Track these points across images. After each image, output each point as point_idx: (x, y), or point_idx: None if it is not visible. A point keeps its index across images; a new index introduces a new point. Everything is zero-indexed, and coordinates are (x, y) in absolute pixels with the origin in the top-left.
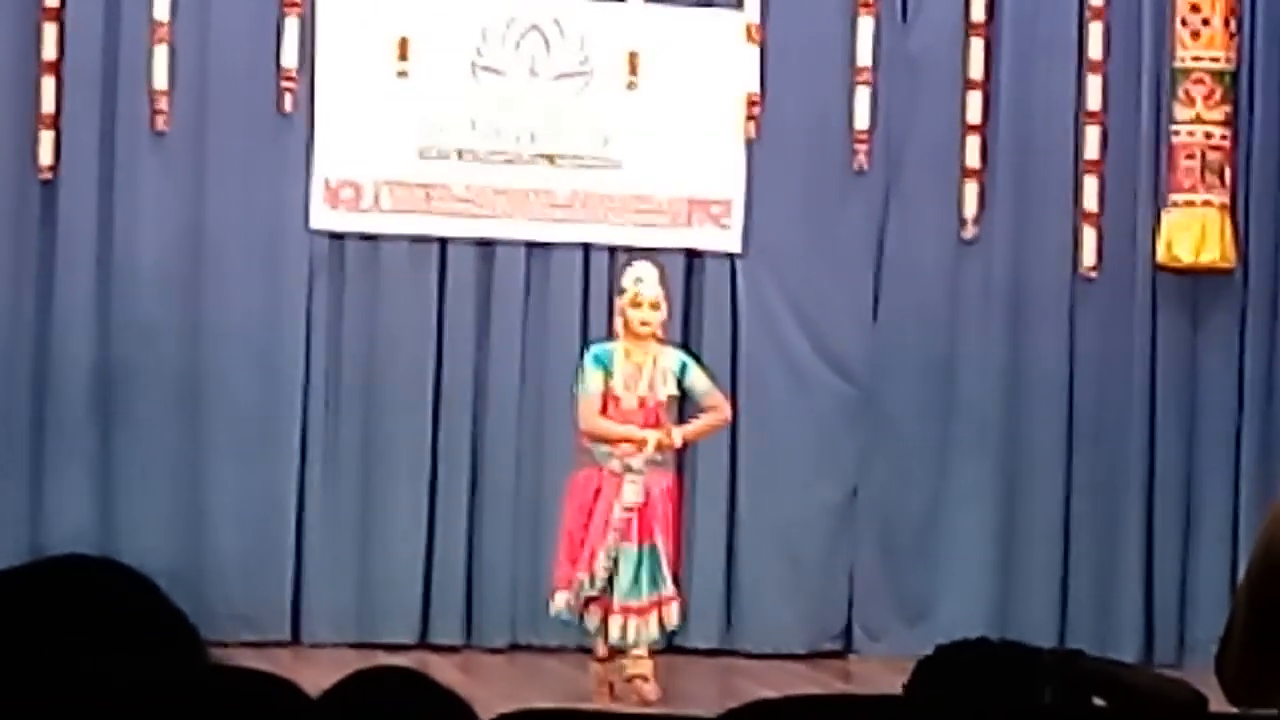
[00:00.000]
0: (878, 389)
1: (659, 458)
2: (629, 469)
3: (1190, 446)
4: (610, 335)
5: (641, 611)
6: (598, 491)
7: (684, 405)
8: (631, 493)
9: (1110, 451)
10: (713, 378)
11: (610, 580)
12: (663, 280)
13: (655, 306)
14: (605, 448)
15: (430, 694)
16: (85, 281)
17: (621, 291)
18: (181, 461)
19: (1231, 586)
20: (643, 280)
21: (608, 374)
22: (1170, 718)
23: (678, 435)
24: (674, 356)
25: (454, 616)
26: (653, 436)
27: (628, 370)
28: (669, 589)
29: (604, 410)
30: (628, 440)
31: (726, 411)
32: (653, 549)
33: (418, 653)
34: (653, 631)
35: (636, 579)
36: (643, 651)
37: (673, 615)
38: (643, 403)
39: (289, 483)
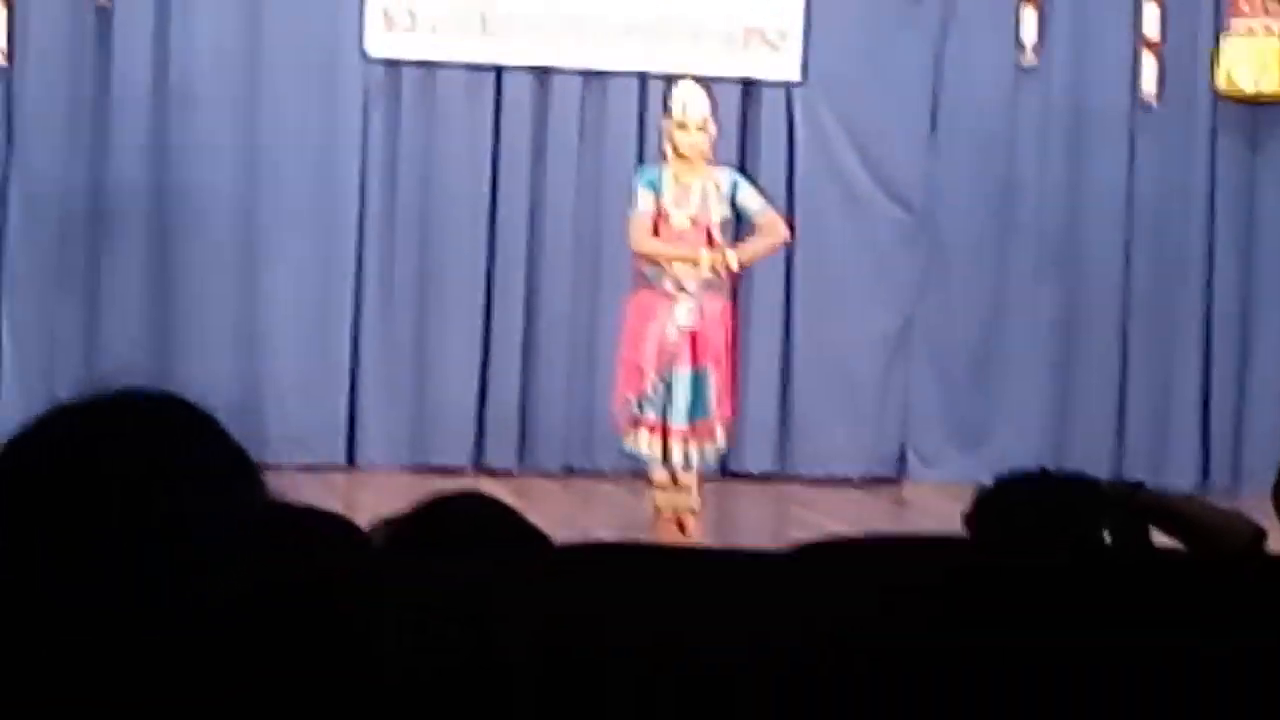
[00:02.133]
0: (934, 216)
1: (713, 277)
2: (682, 289)
3: (1247, 275)
4: (661, 158)
5: (691, 435)
6: (652, 314)
7: (739, 229)
8: (684, 314)
9: (1168, 278)
10: (767, 198)
11: (663, 404)
12: (710, 101)
13: (702, 128)
14: (658, 268)
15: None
16: (141, 106)
17: (668, 113)
18: (238, 285)
19: None
20: (688, 102)
21: (657, 194)
22: (1230, 553)
23: (732, 257)
24: (725, 176)
25: (508, 440)
26: (706, 255)
27: (677, 191)
28: (714, 414)
29: (655, 231)
30: (679, 259)
31: (782, 230)
32: (704, 373)
33: (471, 476)
34: (698, 457)
35: (691, 401)
36: (690, 481)
37: (719, 439)
38: (694, 221)
39: (345, 307)
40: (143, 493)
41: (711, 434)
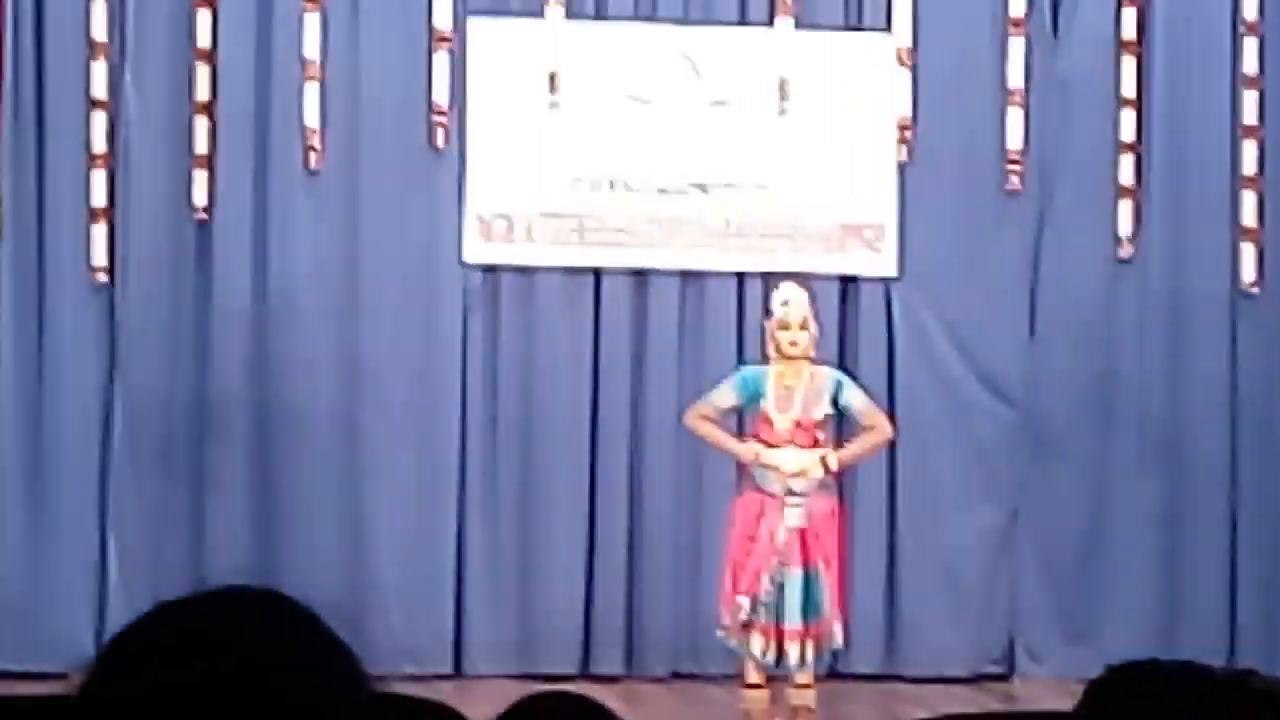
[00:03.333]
0: (1036, 410)
1: (822, 478)
2: (790, 492)
3: None
4: (764, 359)
5: (805, 636)
6: (759, 516)
7: (843, 427)
8: (794, 516)
9: (1274, 466)
10: (870, 396)
11: (777, 604)
12: (811, 301)
13: (804, 327)
14: (765, 470)
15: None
16: (242, 320)
17: (769, 315)
18: (342, 496)
19: None
20: (789, 302)
21: (755, 396)
22: None
23: (833, 458)
24: (829, 376)
25: (615, 646)
26: (795, 458)
27: (780, 392)
28: (827, 614)
29: (758, 433)
30: (721, 449)
31: (888, 429)
32: (815, 573)
33: (579, 683)
34: (813, 656)
35: (804, 602)
36: (806, 679)
37: (835, 637)
38: (798, 424)
39: (449, 514)
40: (247, 687)
41: (825, 634)
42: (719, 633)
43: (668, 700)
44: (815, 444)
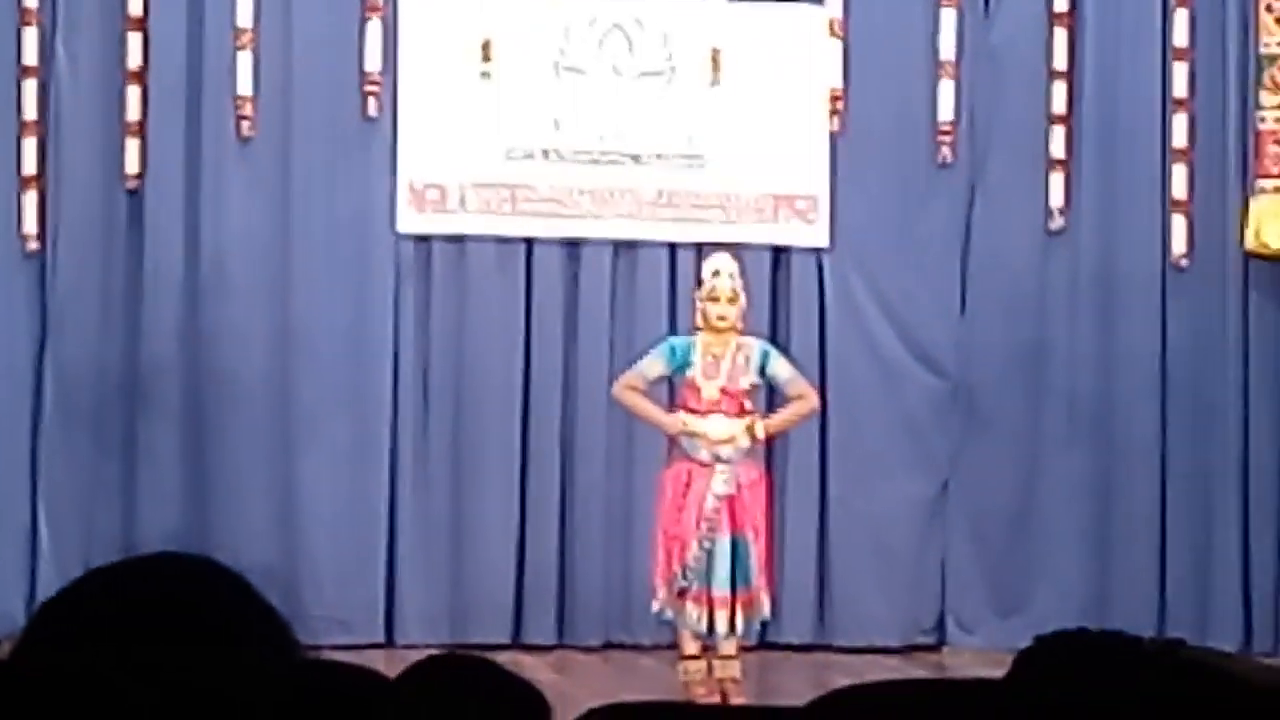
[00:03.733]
0: (967, 381)
1: (748, 446)
2: (718, 459)
3: None
4: (692, 329)
5: (733, 604)
6: (688, 484)
7: (772, 398)
8: (721, 483)
9: (1204, 439)
10: (798, 367)
11: (706, 572)
12: (741, 272)
13: (732, 300)
14: (693, 439)
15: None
16: (173, 289)
17: (699, 284)
18: (273, 465)
19: None
20: (719, 273)
21: (683, 365)
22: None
23: (760, 427)
24: (755, 346)
25: (547, 616)
26: (722, 426)
27: (707, 361)
28: (756, 583)
29: (685, 402)
30: (648, 420)
31: (814, 399)
32: (743, 540)
33: (511, 652)
34: (742, 626)
35: (731, 570)
36: (732, 649)
37: (762, 608)
38: (724, 392)
39: (380, 484)
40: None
41: (753, 603)
42: (654, 606)
43: (600, 669)
44: (742, 412)
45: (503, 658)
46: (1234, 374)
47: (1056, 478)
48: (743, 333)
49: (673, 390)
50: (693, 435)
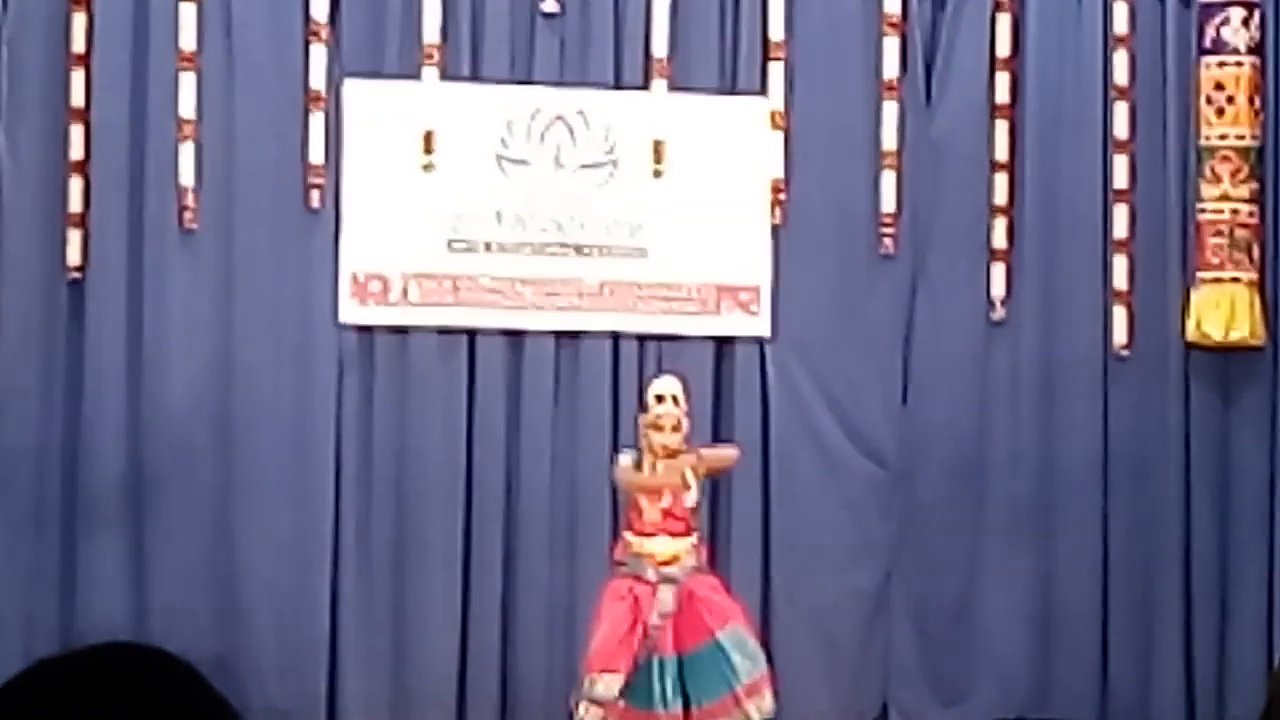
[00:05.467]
0: (909, 472)
1: (695, 566)
2: (665, 579)
3: (1225, 525)
4: (636, 450)
5: (715, 714)
6: (626, 600)
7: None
8: (667, 601)
9: (1146, 529)
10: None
11: (648, 693)
12: (685, 392)
13: (676, 429)
14: (639, 558)
15: None
16: (115, 379)
17: (645, 408)
18: (215, 555)
19: (1268, 665)
20: (664, 400)
21: (639, 463)
22: None
23: (692, 495)
24: (686, 457)
25: (489, 705)
26: (667, 546)
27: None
28: (748, 682)
29: (630, 523)
30: (654, 488)
31: (729, 452)
32: (719, 646)
33: None
34: None
35: (678, 687)
36: None
37: (754, 706)
38: (668, 513)
39: (322, 575)
40: None
41: (736, 706)
42: (579, 713)
43: None
44: (688, 530)
45: None
46: (1175, 464)
47: (998, 568)
48: (687, 453)
49: (616, 512)
50: (639, 555)
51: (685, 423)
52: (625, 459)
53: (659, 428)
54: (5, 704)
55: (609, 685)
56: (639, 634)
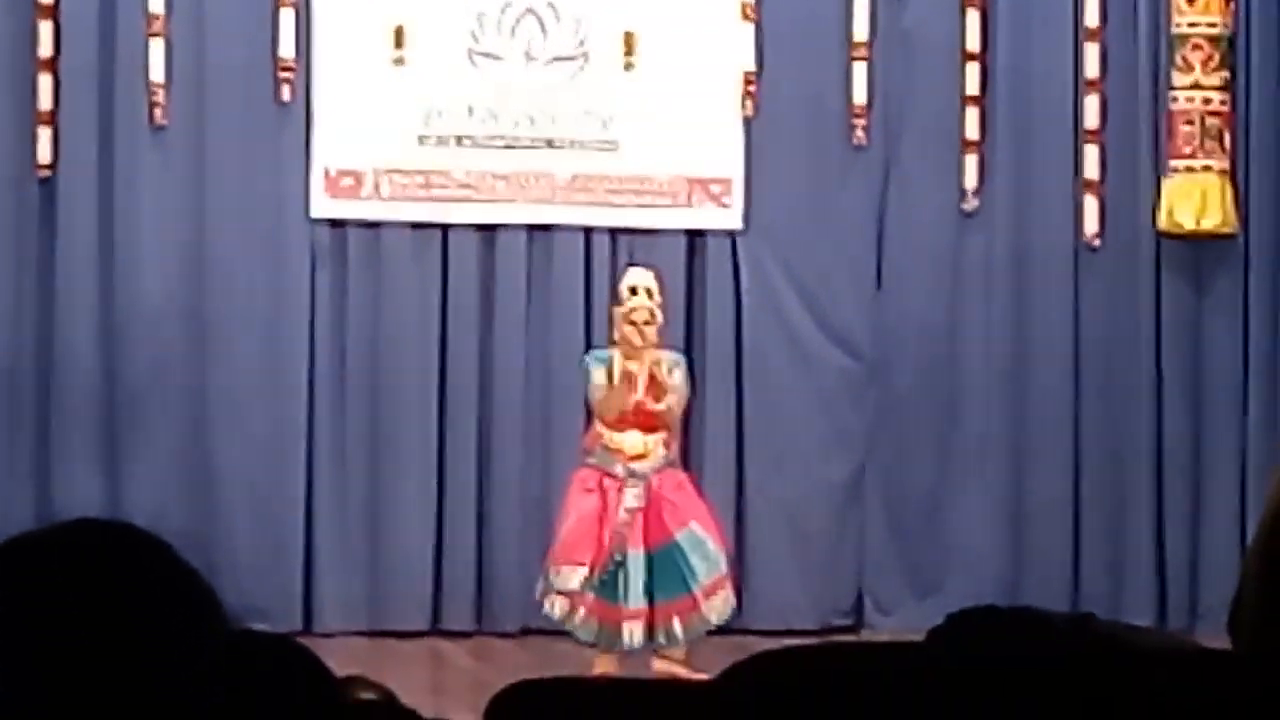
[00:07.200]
0: (882, 363)
1: (665, 458)
2: (632, 474)
3: (1197, 413)
4: (609, 343)
5: (660, 615)
6: (596, 493)
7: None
8: (633, 496)
9: (1117, 419)
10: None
11: (614, 587)
12: (659, 285)
13: (649, 322)
14: (608, 452)
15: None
16: (87, 276)
17: (618, 301)
18: (189, 452)
19: (1241, 550)
20: (636, 291)
21: (609, 372)
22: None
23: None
24: (668, 360)
25: (465, 602)
26: (637, 440)
27: (624, 377)
28: (706, 582)
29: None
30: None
31: (669, 420)
32: (676, 547)
33: (430, 639)
34: (681, 632)
35: (646, 583)
36: (678, 654)
37: (711, 612)
38: (639, 407)
39: (297, 473)
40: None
41: (695, 609)
42: (545, 607)
43: (518, 655)
44: (657, 426)
45: (421, 645)
46: (1146, 353)
47: (970, 460)
48: (659, 346)
49: (588, 407)
50: (609, 449)
51: (659, 315)
52: (598, 375)
53: (632, 321)
54: None
55: (567, 578)
56: (607, 526)
